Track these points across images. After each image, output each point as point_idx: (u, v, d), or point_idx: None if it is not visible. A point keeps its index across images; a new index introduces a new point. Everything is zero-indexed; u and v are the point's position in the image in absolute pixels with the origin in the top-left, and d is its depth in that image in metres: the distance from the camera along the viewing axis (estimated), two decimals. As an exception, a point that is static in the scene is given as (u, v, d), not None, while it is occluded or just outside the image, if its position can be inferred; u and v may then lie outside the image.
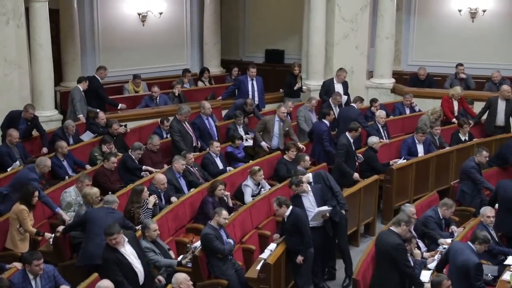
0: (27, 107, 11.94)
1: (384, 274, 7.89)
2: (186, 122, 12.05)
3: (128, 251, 7.59)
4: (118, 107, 13.98)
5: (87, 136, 12.36)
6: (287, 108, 13.40)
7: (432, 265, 8.52)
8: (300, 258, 8.61)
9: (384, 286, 7.88)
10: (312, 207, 9.19)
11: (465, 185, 10.72)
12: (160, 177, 10.12)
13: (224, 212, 8.51)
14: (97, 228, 8.35)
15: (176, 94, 14.57)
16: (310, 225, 8.94)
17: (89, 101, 13.46)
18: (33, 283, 7.34)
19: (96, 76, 14.02)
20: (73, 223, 8.89)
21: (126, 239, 7.65)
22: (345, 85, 14.13)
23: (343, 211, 9.48)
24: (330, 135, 12.06)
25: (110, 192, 10.05)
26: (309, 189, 9.28)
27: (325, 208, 9.13)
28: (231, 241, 8.51)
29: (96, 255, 8.11)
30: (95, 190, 9.19)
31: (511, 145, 11.59)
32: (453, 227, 9.40)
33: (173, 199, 10.07)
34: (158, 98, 14.29)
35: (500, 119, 12.76)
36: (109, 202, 8.76)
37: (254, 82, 14.27)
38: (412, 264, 8.31)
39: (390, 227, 8.01)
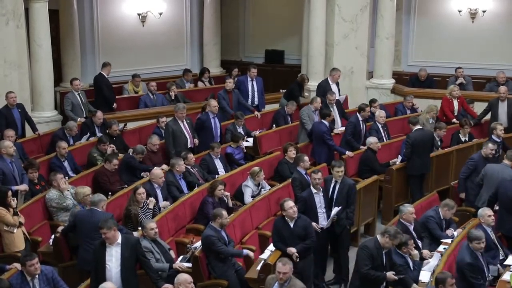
0: (7, 94, 11.86)
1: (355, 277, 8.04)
2: (184, 122, 12.02)
3: (113, 253, 7.47)
4: (113, 106, 14.12)
5: (84, 138, 12.36)
6: (290, 109, 13.44)
7: (427, 266, 8.50)
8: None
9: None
10: (319, 206, 9.25)
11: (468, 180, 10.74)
12: (157, 171, 10.15)
13: (225, 213, 8.52)
14: (83, 234, 8.40)
15: (173, 98, 14.56)
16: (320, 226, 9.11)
17: (96, 100, 13.59)
18: (30, 284, 7.31)
19: (102, 73, 14.13)
20: (68, 226, 8.86)
21: (118, 241, 7.50)
22: (337, 85, 14.11)
23: (348, 226, 9.54)
24: (331, 135, 12.05)
25: (110, 193, 10.06)
26: (321, 189, 9.32)
27: (337, 209, 9.22)
28: (245, 251, 8.55)
29: (86, 261, 8.12)
30: (85, 190, 9.19)
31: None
32: (451, 230, 9.38)
33: (166, 203, 9.97)
34: (155, 94, 14.41)
35: (503, 120, 12.73)
36: (95, 203, 8.58)
37: (254, 83, 14.24)
38: (412, 265, 8.33)
39: (377, 235, 7.99)
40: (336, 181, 9.47)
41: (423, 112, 13.21)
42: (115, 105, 14.16)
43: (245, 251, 8.66)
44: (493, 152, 10.82)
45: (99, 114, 12.60)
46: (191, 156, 11.04)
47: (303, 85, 14.67)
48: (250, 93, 14.18)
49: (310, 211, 9.08)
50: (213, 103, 12.42)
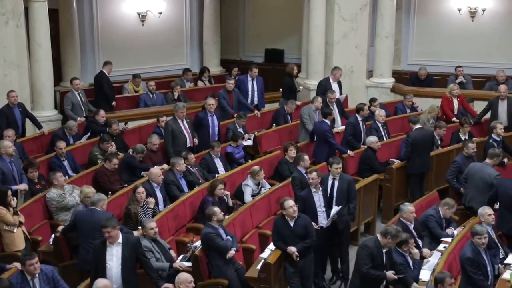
0: (8, 93, 11.89)
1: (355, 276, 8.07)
2: (184, 121, 12.01)
3: (114, 252, 7.47)
4: (112, 103, 14.16)
5: (84, 138, 12.36)
6: (290, 108, 13.44)
7: (427, 265, 8.50)
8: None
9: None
10: (319, 205, 9.24)
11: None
12: (155, 170, 10.15)
13: (217, 209, 8.52)
14: (83, 233, 8.40)
15: (176, 97, 14.56)
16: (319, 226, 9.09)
17: (96, 98, 13.67)
18: (30, 283, 7.30)
19: (104, 71, 14.19)
20: (68, 225, 8.86)
21: (119, 240, 7.49)
22: (339, 84, 14.10)
23: (350, 222, 9.56)
24: (333, 134, 12.04)
25: (110, 192, 10.06)
26: (320, 188, 9.31)
27: (336, 208, 9.20)
28: (229, 238, 8.51)
29: (86, 260, 8.11)
30: (89, 190, 9.18)
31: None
32: (451, 229, 9.39)
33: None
34: (154, 94, 14.43)
35: (503, 119, 12.74)
36: (94, 203, 8.56)
37: (254, 82, 14.24)
38: (412, 264, 8.33)
39: (377, 234, 8.00)
40: (334, 178, 9.49)
41: (424, 111, 13.21)
42: (114, 103, 14.17)
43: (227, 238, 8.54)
44: (475, 150, 10.94)
45: (102, 112, 12.63)
46: (191, 156, 11.04)
47: (293, 74, 14.68)
48: (250, 93, 14.17)
49: (309, 210, 9.07)
50: (209, 101, 12.41)
